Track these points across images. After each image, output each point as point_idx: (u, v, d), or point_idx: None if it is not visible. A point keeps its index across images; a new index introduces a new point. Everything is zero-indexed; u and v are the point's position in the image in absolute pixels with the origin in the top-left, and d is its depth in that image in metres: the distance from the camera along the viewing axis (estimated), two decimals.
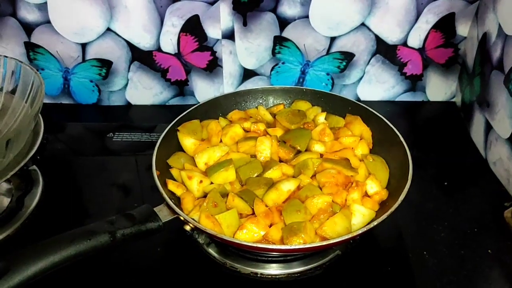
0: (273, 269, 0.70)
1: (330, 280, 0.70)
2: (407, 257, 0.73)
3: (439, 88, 1.10)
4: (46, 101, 1.10)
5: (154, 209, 0.65)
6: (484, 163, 0.91)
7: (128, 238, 0.60)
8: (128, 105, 1.11)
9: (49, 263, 0.52)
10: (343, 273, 0.71)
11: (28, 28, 1.00)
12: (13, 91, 0.80)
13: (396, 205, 0.65)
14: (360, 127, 0.83)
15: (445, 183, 0.87)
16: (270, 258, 0.71)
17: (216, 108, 0.89)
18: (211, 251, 0.71)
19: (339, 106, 0.89)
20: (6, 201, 0.80)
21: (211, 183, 0.73)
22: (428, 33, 1.01)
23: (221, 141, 0.81)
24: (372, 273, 0.71)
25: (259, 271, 0.70)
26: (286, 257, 0.71)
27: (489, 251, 0.74)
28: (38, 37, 1.01)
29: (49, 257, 0.52)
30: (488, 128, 0.90)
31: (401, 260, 0.73)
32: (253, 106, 0.93)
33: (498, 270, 0.71)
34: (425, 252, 0.73)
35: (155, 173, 0.71)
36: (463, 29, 1.01)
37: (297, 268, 0.70)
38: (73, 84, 1.08)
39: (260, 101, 0.94)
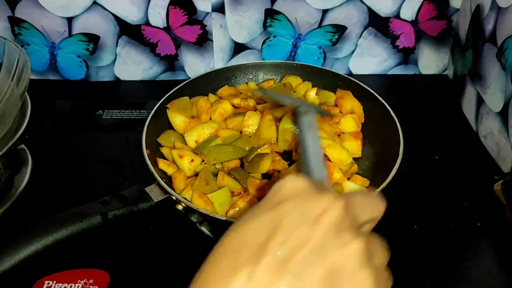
0: None
1: None
2: (398, 231, 0.73)
3: (431, 61, 1.09)
4: (33, 77, 1.08)
5: (146, 189, 0.65)
6: (475, 137, 0.92)
7: (120, 219, 0.60)
8: (117, 80, 1.09)
9: (41, 246, 0.52)
10: None
11: (12, 1, 0.96)
12: None
13: (387, 181, 0.65)
14: (351, 102, 0.82)
15: (436, 157, 0.88)
16: None
17: (206, 85, 0.88)
18: (204, 229, 0.71)
19: (330, 81, 0.88)
20: None
21: (203, 161, 0.73)
22: (421, 5, 1.00)
23: (210, 118, 0.80)
24: None
25: None
26: None
27: (478, 224, 0.74)
28: (22, 12, 0.98)
29: (41, 239, 0.52)
30: (480, 101, 0.90)
31: (392, 234, 0.73)
32: (243, 81, 0.92)
33: (488, 243, 0.72)
34: (416, 226, 0.74)
35: (145, 153, 0.70)
36: (456, 1, 1.00)
37: None
38: (60, 60, 1.06)
39: (250, 77, 0.92)
